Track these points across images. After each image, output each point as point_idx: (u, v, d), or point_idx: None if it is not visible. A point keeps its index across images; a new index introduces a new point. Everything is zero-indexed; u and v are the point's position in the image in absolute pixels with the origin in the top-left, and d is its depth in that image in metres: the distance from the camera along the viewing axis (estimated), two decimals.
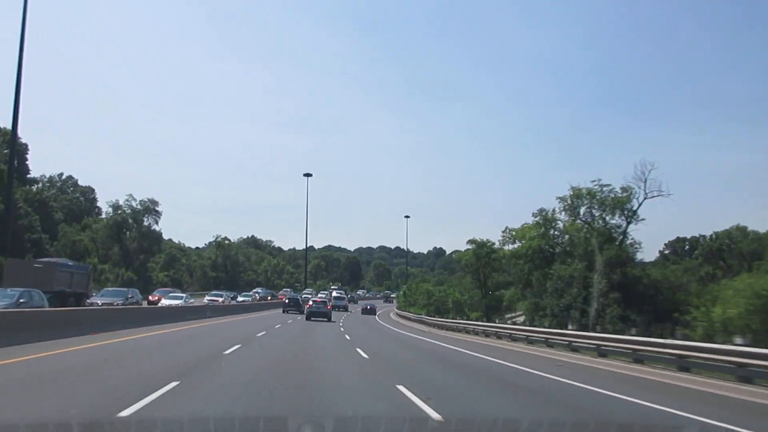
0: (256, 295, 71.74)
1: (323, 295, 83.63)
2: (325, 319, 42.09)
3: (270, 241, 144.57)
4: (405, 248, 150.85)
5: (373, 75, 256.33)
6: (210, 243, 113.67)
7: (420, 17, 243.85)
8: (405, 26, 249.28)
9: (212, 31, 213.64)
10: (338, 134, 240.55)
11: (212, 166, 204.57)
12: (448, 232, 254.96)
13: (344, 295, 79.67)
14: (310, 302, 47.50)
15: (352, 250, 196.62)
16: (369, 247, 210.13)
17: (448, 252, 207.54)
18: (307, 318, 42.44)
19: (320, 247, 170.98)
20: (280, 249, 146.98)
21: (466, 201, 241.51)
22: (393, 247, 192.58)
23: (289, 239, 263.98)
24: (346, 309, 67.10)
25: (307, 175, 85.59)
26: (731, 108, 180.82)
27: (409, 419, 7.69)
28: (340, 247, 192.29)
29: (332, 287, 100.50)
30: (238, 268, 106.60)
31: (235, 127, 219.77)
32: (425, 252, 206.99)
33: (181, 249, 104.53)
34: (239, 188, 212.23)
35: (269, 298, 73.25)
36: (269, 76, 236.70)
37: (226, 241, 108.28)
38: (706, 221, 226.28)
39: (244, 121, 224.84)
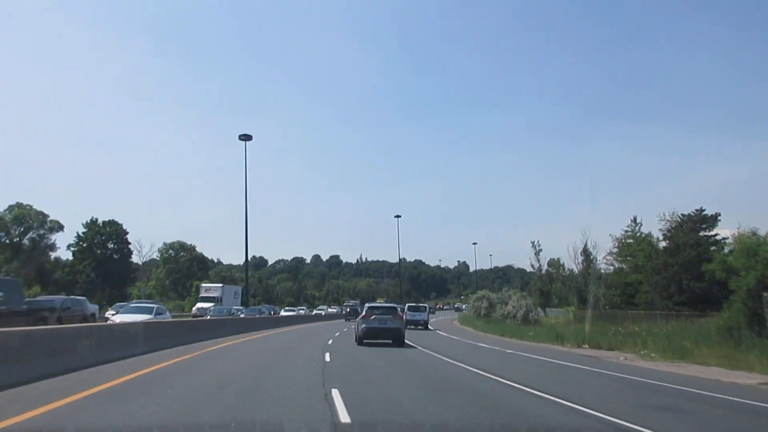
0: None
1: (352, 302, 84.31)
2: (391, 341, 23.62)
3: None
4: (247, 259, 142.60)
5: (172, 90, 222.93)
6: None
7: (221, 31, 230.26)
8: (206, 40, 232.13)
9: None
10: (133, 151, 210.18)
11: None
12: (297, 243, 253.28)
13: (425, 306, 56.19)
14: (365, 311, 25.33)
15: None
16: (210, 260, 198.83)
17: (308, 261, 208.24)
18: (360, 341, 23.39)
19: None
20: None
21: (292, 215, 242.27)
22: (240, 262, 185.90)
23: None
24: (426, 325, 45.80)
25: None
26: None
27: None
28: None
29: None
30: None
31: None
32: (272, 261, 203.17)
33: None
34: None
35: None
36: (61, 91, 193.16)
37: None
38: None
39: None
